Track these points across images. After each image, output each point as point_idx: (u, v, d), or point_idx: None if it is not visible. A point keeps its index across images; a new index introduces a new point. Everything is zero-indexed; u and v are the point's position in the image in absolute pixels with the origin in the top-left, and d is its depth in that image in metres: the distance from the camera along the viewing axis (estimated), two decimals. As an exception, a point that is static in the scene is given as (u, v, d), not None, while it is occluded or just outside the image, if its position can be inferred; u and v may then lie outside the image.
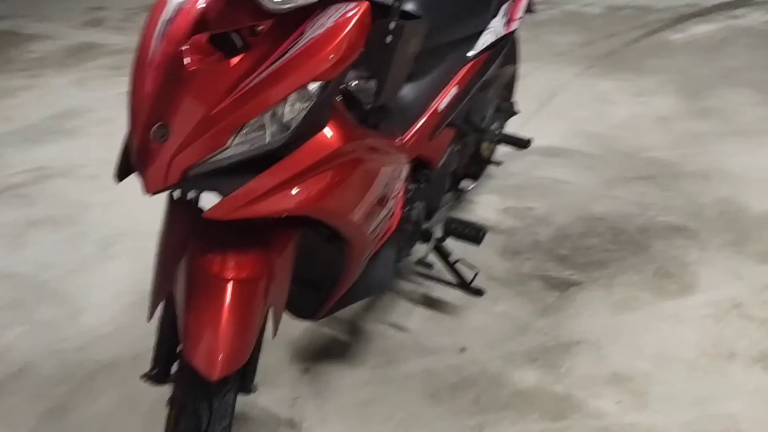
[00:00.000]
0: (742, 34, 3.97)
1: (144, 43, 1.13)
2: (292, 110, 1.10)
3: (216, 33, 1.10)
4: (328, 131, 1.17)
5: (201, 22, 1.07)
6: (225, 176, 1.10)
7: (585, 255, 2.15)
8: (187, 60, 1.07)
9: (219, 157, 1.09)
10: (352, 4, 1.13)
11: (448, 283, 2.02)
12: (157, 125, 1.08)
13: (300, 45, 1.08)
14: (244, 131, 1.08)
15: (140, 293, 1.81)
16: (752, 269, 2.03)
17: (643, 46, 3.93)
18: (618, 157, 2.73)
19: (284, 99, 1.08)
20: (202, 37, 1.09)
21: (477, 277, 1.96)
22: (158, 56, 1.11)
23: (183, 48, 1.07)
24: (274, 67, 1.08)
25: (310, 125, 1.13)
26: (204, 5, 1.09)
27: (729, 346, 1.76)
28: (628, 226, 2.28)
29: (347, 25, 1.10)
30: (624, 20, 4.38)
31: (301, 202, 1.16)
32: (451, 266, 1.97)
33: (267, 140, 1.10)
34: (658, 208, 2.37)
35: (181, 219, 1.25)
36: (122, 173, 1.19)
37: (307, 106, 1.10)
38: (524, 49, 2.49)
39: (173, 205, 1.27)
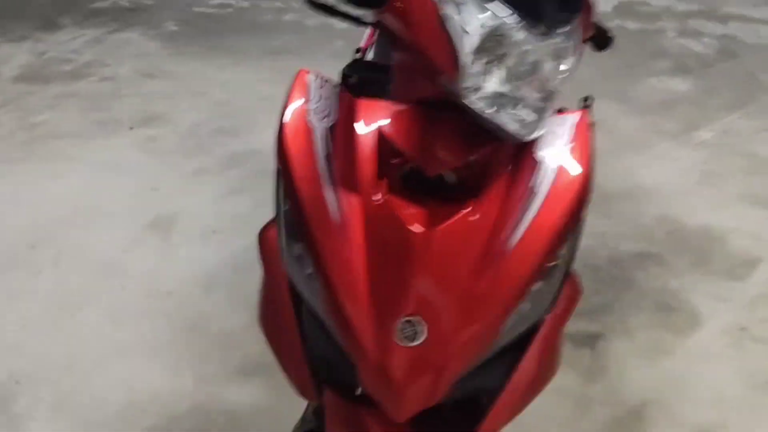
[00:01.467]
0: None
1: (311, 192, 0.79)
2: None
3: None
4: None
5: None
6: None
7: (584, 301, 2.10)
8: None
9: (487, 352, 0.80)
10: (571, 118, 0.90)
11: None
12: (401, 320, 0.76)
13: (544, 182, 0.83)
14: (515, 313, 0.80)
15: None
16: (729, 288, 2.16)
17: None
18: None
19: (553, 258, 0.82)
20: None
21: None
22: (354, 214, 0.78)
23: (377, 198, 0.77)
24: (529, 217, 0.81)
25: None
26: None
27: (761, 374, 1.84)
28: (599, 261, 2.29)
29: (586, 149, 0.87)
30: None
31: None
32: None
33: (530, 318, 0.84)
34: (613, 237, 2.42)
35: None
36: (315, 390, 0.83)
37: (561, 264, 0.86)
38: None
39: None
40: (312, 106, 0.89)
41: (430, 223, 0.78)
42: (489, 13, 0.73)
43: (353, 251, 0.77)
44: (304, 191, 0.82)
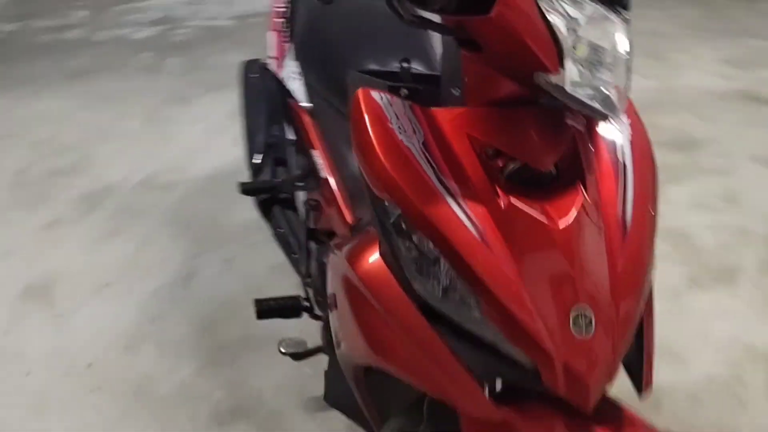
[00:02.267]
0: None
1: (441, 215, 0.77)
2: None
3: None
4: None
5: None
6: None
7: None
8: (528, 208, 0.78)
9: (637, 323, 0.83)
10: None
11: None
12: (572, 314, 0.76)
13: (626, 156, 0.88)
14: (647, 281, 0.84)
15: None
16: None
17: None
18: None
19: None
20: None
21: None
22: (488, 225, 0.77)
23: (501, 203, 0.77)
24: (629, 191, 0.85)
25: None
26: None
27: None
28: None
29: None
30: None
31: None
32: None
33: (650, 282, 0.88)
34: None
35: None
36: None
37: None
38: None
39: None
40: (395, 126, 0.83)
41: (555, 215, 0.78)
42: (579, 6, 0.73)
43: (503, 260, 0.75)
44: (433, 216, 0.77)
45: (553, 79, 0.74)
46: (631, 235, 0.81)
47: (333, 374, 1.39)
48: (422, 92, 0.89)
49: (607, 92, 0.76)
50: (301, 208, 1.78)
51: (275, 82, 1.69)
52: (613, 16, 0.76)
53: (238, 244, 2.27)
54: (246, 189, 1.84)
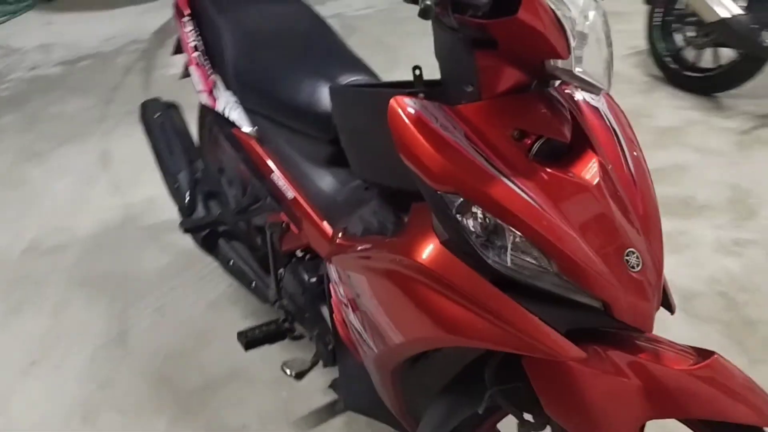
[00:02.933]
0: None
1: (508, 195, 0.90)
2: None
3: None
4: None
5: None
6: None
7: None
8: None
9: None
10: None
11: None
12: (624, 256, 0.91)
13: (612, 121, 1.06)
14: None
15: None
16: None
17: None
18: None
19: None
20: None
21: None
22: (540, 195, 0.91)
23: (543, 175, 0.93)
24: (626, 149, 1.03)
25: None
26: None
27: None
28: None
29: None
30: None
31: None
32: None
33: None
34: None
35: None
36: None
37: None
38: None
39: None
40: (438, 125, 0.93)
41: (585, 176, 0.93)
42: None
43: (561, 221, 0.88)
44: (496, 195, 0.88)
45: (562, 64, 0.89)
46: (640, 184, 0.99)
47: (346, 380, 1.44)
48: (433, 95, 0.99)
49: (600, 70, 0.93)
50: (254, 236, 1.79)
51: (211, 114, 1.68)
52: (593, 5, 0.92)
53: (161, 292, 2.20)
54: (189, 228, 1.81)
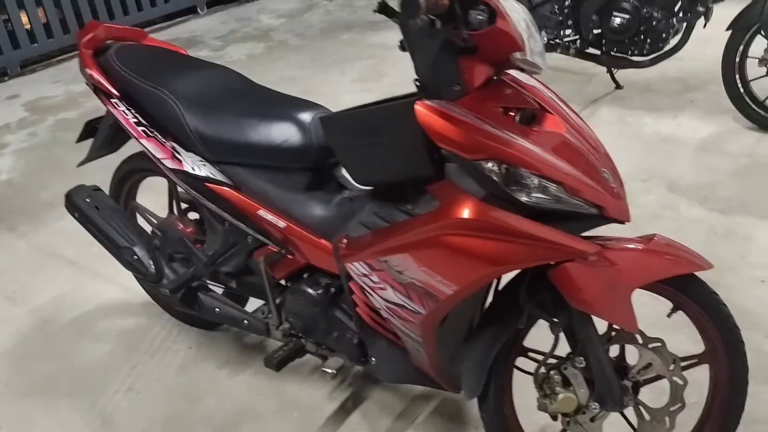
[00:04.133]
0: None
1: (521, 150, 1.31)
2: None
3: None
4: None
5: None
6: None
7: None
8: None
9: None
10: None
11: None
12: (602, 174, 1.35)
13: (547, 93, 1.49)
14: None
15: None
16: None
17: None
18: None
19: None
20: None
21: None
22: (539, 145, 1.32)
23: (534, 132, 1.35)
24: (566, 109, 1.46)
25: None
26: None
27: None
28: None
29: None
30: None
31: None
32: None
33: None
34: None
35: None
36: None
37: None
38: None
39: None
40: (457, 114, 1.30)
41: (561, 130, 1.34)
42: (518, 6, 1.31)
43: (560, 161, 1.29)
44: (522, 153, 1.28)
45: (521, 55, 1.29)
46: (585, 129, 1.41)
47: (381, 360, 1.67)
48: (432, 96, 1.35)
49: (539, 53, 1.34)
50: (229, 279, 1.94)
51: (179, 176, 1.81)
52: (523, 8, 1.34)
53: (122, 374, 2.19)
54: (174, 289, 1.91)
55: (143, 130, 1.86)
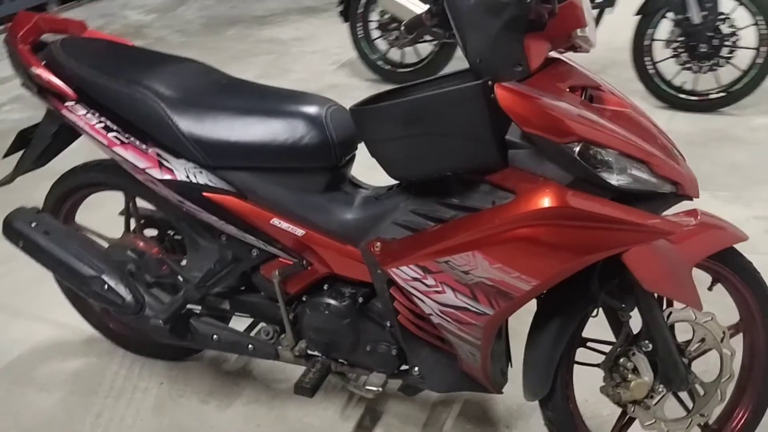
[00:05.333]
0: None
1: (589, 125, 1.26)
2: None
3: None
4: None
5: None
6: None
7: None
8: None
9: None
10: None
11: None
12: (672, 150, 1.37)
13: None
14: None
15: None
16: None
17: None
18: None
19: None
20: None
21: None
22: (607, 119, 1.29)
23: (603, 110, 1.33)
24: None
25: None
26: None
27: None
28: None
29: None
30: None
31: None
32: None
33: None
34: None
35: None
36: None
37: None
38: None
39: None
40: (536, 95, 1.22)
41: (623, 107, 1.30)
42: None
43: (638, 139, 1.26)
44: (604, 132, 1.23)
45: (582, 32, 1.25)
46: (637, 107, 1.39)
47: (427, 369, 1.53)
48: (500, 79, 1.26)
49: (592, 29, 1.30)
50: (219, 301, 1.72)
51: (173, 188, 1.56)
52: None
53: (86, 426, 1.87)
54: (166, 319, 1.66)
55: (115, 137, 1.58)
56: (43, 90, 1.63)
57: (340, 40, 4.90)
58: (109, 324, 2.05)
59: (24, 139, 1.80)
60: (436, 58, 3.83)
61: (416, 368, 1.56)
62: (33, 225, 1.72)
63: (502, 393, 1.56)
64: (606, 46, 3.66)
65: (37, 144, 1.78)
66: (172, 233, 1.91)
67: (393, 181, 1.48)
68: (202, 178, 1.53)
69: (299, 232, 1.52)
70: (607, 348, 1.49)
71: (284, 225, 1.52)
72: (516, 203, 1.27)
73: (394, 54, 3.97)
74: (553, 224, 1.23)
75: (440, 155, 1.33)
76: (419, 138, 1.33)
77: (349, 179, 1.60)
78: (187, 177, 1.53)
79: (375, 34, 3.96)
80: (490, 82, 1.23)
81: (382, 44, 3.97)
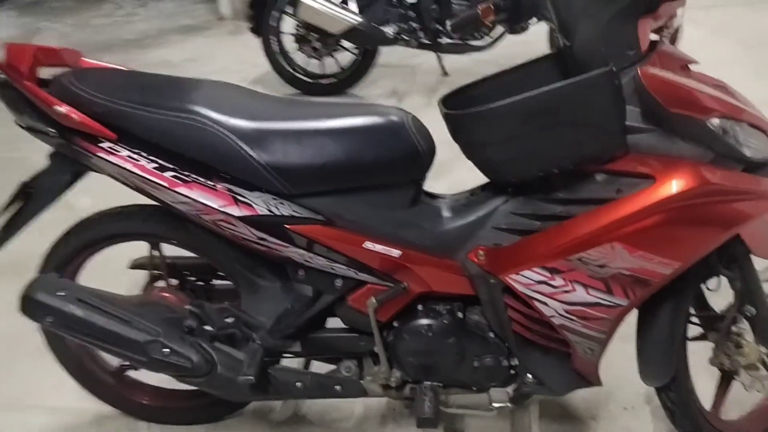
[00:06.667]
0: None
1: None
2: None
3: None
4: None
5: None
6: None
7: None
8: None
9: None
10: None
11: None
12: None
13: None
14: None
15: None
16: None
17: None
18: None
19: None
20: None
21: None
22: None
23: None
24: None
25: None
26: None
27: None
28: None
29: None
30: None
31: None
32: None
33: None
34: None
35: None
36: None
37: None
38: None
39: None
40: (668, 75, 1.26)
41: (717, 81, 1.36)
42: None
43: (744, 106, 1.32)
44: (720, 102, 1.28)
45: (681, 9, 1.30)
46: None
47: (544, 374, 1.49)
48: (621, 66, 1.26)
49: None
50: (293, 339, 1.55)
51: (252, 225, 1.37)
52: None
53: None
54: (249, 374, 1.46)
55: (174, 176, 1.36)
56: (68, 132, 1.37)
57: (238, 57, 4.69)
58: (126, 395, 1.78)
59: (25, 193, 1.50)
60: (360, 67, 3.77)
61: (528, 375, 1.50)
62: (61, 295, 1.44)
63: (602, 385, 1.55)
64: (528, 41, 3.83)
65: (42, 197, 1.49)
66: (194, 279, 1.70)
67: (456, 187, 1.42)
68: (284, 209, 1.37)
69: (395, 252, 1.41)
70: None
71: (378, 247, 1.40)
72: (657, 187, 1.26)
73: (313, 65, 3.85)
74: (701, 203, 1.24)
75: (562, 149, 1.29)
76: (541, 133, 1.28)
77: (424, 189, 1.52)
78: (269, 210, 1.37)
79: (291, 47, 3.82)
80: (614, 68, 1.21)
81: (300, 56, 3.83)
